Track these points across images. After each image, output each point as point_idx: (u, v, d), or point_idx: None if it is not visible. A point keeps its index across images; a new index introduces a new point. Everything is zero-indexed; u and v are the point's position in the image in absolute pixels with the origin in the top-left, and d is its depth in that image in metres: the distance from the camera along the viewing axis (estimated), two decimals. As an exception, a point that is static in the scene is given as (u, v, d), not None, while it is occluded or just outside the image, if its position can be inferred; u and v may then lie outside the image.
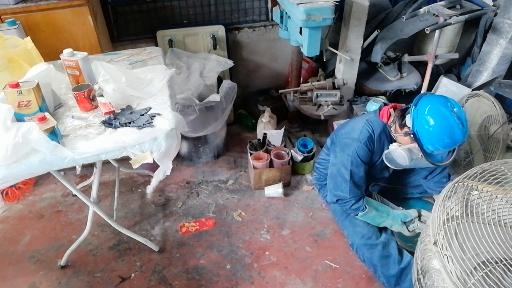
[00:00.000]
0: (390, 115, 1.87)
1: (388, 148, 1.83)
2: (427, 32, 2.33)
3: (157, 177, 1.68)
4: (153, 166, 2.59)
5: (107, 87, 1.65)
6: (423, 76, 2.74)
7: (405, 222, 1.93)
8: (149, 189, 1.79)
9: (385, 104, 2.09)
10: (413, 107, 1.69)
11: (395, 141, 1.84)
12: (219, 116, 2.52)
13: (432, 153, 1.70)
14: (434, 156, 1.72)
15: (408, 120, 1.72)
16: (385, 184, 2.17)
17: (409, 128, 1.71)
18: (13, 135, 1.30)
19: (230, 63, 2.65)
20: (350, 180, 1.85)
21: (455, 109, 1.61)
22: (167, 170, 1.64)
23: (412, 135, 1.69)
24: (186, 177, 2.69)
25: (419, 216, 1.93)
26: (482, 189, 1.29)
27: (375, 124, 1.87)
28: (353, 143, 1.86)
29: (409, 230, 1.92)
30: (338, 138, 1.98)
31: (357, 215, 1.91)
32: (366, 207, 1.87)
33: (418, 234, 1.87)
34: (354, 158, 1.85)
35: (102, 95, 1.72)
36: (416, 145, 1.69)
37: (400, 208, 2.02)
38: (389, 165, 1.83)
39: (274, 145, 2.65)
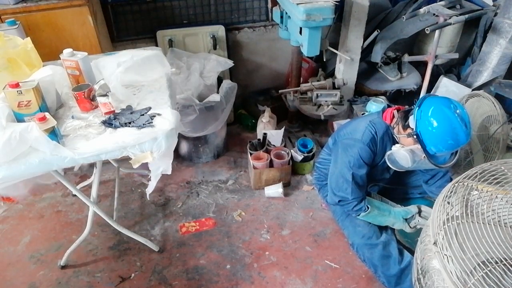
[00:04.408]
0: (393, 116, 1.86)
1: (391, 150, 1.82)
2: (427, 32, 2.34)
3: (155, 177, 1.67)
4: (153, 166, 2.62)
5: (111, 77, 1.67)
6: (423, 76, 2.74)
7: (406, 219, 1.93)
8: (148, 190, 1.77)
9: (388, 106, 2.09)
10: (417, 108, 1.68)
11: (397, 142, 1.84)
12: (219, 116, 2.52)
13: (435, 155, 1.69)
14: (437, 158, 1.72)
15: (411, 121, 1.71)
16: (385, 185, 2.16)
17: (412, 129, 1.70)
18: (8, 133, 1.30)
19: (230, 63, 2.65)
20: (352, 181, 1.84)
21: (458, 111, 1.61)
22: (167, 169, 1.63)
23: (415, 136, 1.68)
24: (186, 177, 2.69)
25: (419, 211, 1.94)
26: (482, 189, 1.29)
27: (378, 126, 1.87)
28: (355, 144, 1.86)
29: (410, 227, 1.92)
30: (340, 138, 1.98)
31: (358, 215, 1.91)
32: (368, 208, 1.87)
33: (419, 230, 1.87)
34: (356, 159, 1.84)
35: (102, 95, 1.72)
36: (419, 147, 1.68)
37: (398, 205, 2.03)
38: (391, 166, 1.82)
39: (274, 145, 2.65)
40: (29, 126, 1.33)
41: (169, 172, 1.63)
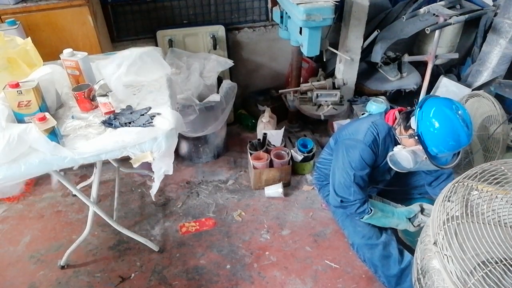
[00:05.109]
0: (395, 118, 1.85)
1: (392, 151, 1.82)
2: (427, 32, 2.33)
3: (158, 178, 1.68)
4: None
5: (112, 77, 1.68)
6: (423, 76, 2.74)
7: (409, 219, 1.93)
8: (153, 191, 1.78)
9: (391, 108, 2.09)
10: (418, 109, 1.68)
11: (399, 143, 1.84)
12: (219, 116, 2.52)
13: (437, 156, 1.69)
14: (439, 159, 1.71)
15: (413, 122, 1.71)
16: (385, 186, 2.16)
17: (414, 130, 1.69)
18: (7, 136, 1.30)
19: (230, 63, 2.65)
20: (354, 182, 1.84)
21: (460, 112, 1.61)
22: (168, 170, 1.63)
23: (416, 137, 1.68)
24: (186, 177, 2.69)
25: (422, 210, 1.94)
26: (482, 189, 1.29)
27: (380, 127, 1.86)
28: (357, 145, 1.85)
29: (414, 226, 1.93)
30: (341, 139, 1.97)
31: (362, 218, 1.90)
32: (371, 210, 1.87)
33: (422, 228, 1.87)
34: (358, 160, 1.84)
35: (102, 95, 1.72)
36: (421, 147, 1.68)
37: (399, 205, 2.03)
38: (393, 167, 1.82)
39: (274, 145, 2.65)
40: (28, 127, 1.33)
41: (171, 172, 1.63)
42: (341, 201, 1.89)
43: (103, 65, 1.76)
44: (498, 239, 1.12)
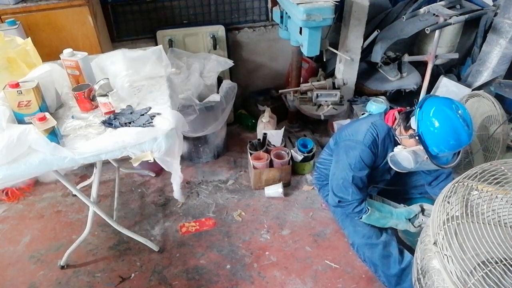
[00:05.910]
0: (395, 118, 1.86)
1: (393, 152, 1.82)
2: (427, 32, 2.34)
3: (176, 183, 1.71)
4: (154, 166, 2.62)
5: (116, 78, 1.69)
6: (423, 76, 2.74)
7: (409, 219, 1.93)
8: (176, 194, 1.77)
9: (391, 108, 2.09)
10: (418, 109, 1.69)
11: (399, 144, 1.84)
12: (219, 116, 2.52)
13: (437, 155, 1.69)
14: (439, 159, 1.72)
15: (413, 122, 1.71)
16: (385, 186, 2.16)
17: (414, 130, 1.70)
18: (7, 137, 1.30)
19: (230, 63, 2.65)
20: (352, 183, 1.84)
21: (460, 111, 1.61)
22: (177, 173, 1.65)
23: (417, 137, 1.68)
24: (186, 177, 2.69)
25: (422, 210, 1.94)
26: (482, 189, 1.29)
27: (380, 128, 1.86)
28: (357, 146, 1.85)
29: (414, 226, 1.93)
30: (341, 139, 1.97)
31: (360, 218, 1.90)
32: (368, 209, 1.87)
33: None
34: (358, 161, 1.84)
35: (102, 95, 1.72)
36: (421, 147, 1.68)
37: (401, 205, 2.03)
38: (394, 168, 1.82)
39: (274, 145, 2.65)
40: (27, 129, 1.33)
41: (180, 173, 1.65)
42: (339, 201, 1.90)
43: (111, 62, 1.77)
44: (498, 239, 1.12)
